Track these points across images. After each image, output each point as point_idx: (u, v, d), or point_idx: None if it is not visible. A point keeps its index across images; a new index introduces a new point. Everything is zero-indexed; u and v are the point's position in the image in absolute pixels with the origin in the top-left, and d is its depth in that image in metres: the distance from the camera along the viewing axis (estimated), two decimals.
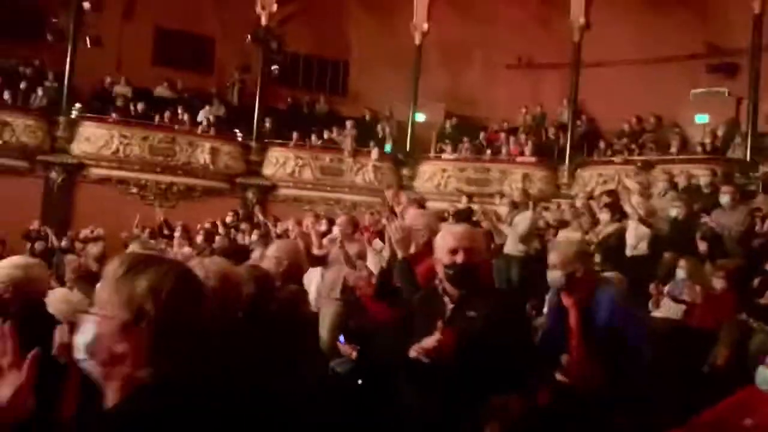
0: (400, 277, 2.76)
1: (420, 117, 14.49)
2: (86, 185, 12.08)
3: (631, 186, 7.94)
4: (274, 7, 13.32)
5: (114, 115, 12.44)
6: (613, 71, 13.46)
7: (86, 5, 12.04)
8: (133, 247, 4.65)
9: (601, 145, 13.14)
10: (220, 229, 9.13)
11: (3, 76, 12.12)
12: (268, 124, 13.54)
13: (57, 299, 2.87)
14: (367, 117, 14.72)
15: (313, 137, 13.77)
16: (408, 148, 14.02)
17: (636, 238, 6.05)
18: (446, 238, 2.25)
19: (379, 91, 14.84)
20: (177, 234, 9.31)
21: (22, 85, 12.02)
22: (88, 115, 12.23)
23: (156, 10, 14.43)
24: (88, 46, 12.21)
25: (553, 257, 2.70)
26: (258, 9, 13.15)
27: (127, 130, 12.27)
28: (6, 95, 11.76)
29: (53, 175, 11.79)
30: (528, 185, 12.06)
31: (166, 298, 1.10)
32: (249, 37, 13.27)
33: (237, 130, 13.35)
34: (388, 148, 13.93)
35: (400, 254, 2.82)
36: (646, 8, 13.32)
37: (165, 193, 12.35)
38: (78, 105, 12.47)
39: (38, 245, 10.22)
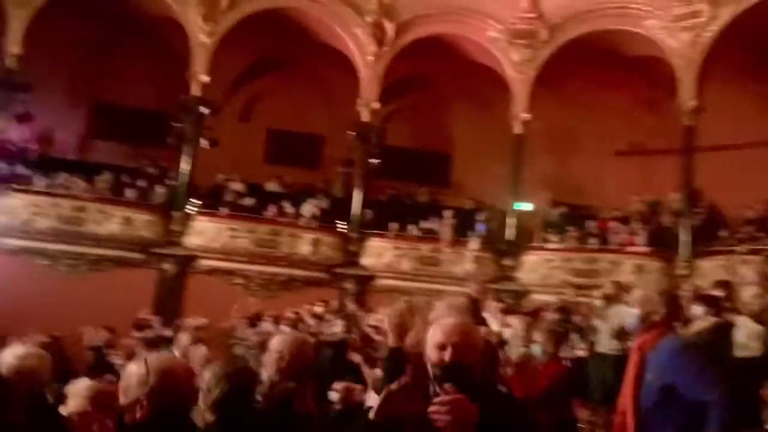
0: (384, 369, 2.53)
1: (524, 206, 14.16)
2: (196, 276, 12.72)
3: (749, 276, 7.10)
4: (376, 105, 13.87)
5: (224, 209, 13.17)
6: (733, 155, 12.52)
7: (205, 110, 13.19)
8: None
9: (723, 233, 12.06)
10: (308, 319, 9.15)
11: (130, 176, 13.32)
12: (369, 216, 13.77)
13: (76, 390, 2.87)
14: (469, 207, 14.60)
15: (412, 228, 13.80)
16: (511, 238, 13.63)
17: (747, 337, 5.29)
18: (435, 332, 2.01)
19: (482, 181, 14.77)
20: (266, 324, 9.45)
21: (144, 183, 13.09)
22: (200, 210, 13.01)
23: (268, 113, 15.57)
24: (207, 147, 13.19)
25: (635, 295, 2.35)
26: (360, 107, 13.76)
27: (235, 224, 12.92)
28: (129, 193, 12.85)
29: (166, 266, 12.54)
30: (639, 277, 11.24)
31: None
32: (352, 133, 13.90)
33: (339, 222, 13.65)
34: (483, 231, 13.63)
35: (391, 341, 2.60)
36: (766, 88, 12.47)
37: (268, 284, 12.73)
38: (195, 201, 13.37)
39: (147, 333, 10.76)
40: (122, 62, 14.65)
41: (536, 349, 5.17)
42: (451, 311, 3.01)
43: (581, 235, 13.37)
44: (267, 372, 2.65)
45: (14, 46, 12.49)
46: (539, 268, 13.23)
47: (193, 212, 13.02)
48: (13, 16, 12.52)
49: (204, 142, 13.09)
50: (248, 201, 13.68)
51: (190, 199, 13.20)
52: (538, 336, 5.16)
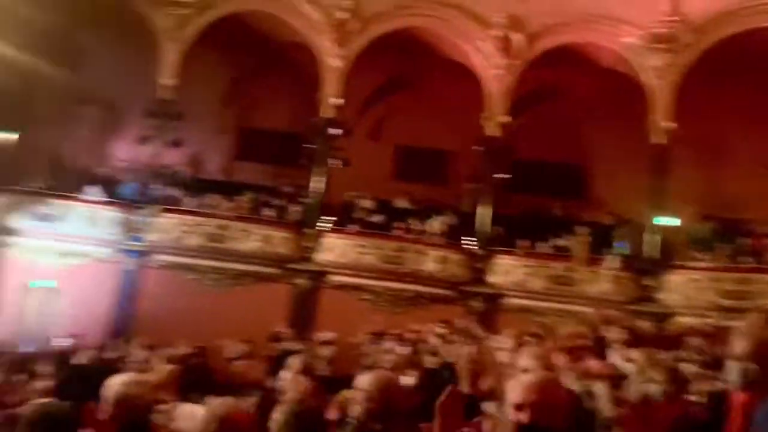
0: None
1: (667, 220, 13.18)
2: (327, 291, 13.16)
3: None
4: (505, 119, 13.62)
5: (354, 226, 13.54)
6: None
7: (336, 131, 13.70)
8: None
9: None
10: (430, 339, 9.08)
11: (268, 195, 14.13)
12: (498, 232, 13.50)
13: (183, 415, 3.05)
14: (606, 222, 13.86)
15: (543, 244, 13.34)
16: (652, 255, 12.74)
17: None
18: (513, 389, 1.90)
19: (621, 194, 13.99)
20: (388, 341, 9.51)
21: (280, 202, 13.82)
22: (330, 227, 13.46)
23: (397, 131, 15.83)
24: (339, 166, 13.67)
25: (739, 344, 1.97)
26: (486, 121, 13.60)
27: (363, 240, 13.23)
28: (268, 211, 13.61)
29: (300, 281, 13.10)
30: None
31: None
32: (479, 148, 13.76)
33: (466, 239, 13.52)
34: (622, 250, 12.83)
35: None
36: None
37: (395, 300, 12.88)
38: (327, 218, 13.88)
39: (280, 346, 11.29)
40: (263, 88, 15.65)
41: (654, 388, 4.73)
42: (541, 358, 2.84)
43: (733, 253, 12.21)
44: (353, 412, 2.65)
45: (168, 78, 13.70)
46: (684, 288, 12.26)
47: (324, 229, 13.50)
48: (167, 50, 13.75)
49: (335, 162, 13.57)
50: (377, 218, 13.98)
51: (323, 217, 13.72)
52: (655, 374, 4.72)
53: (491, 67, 13.67)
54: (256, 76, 15.52)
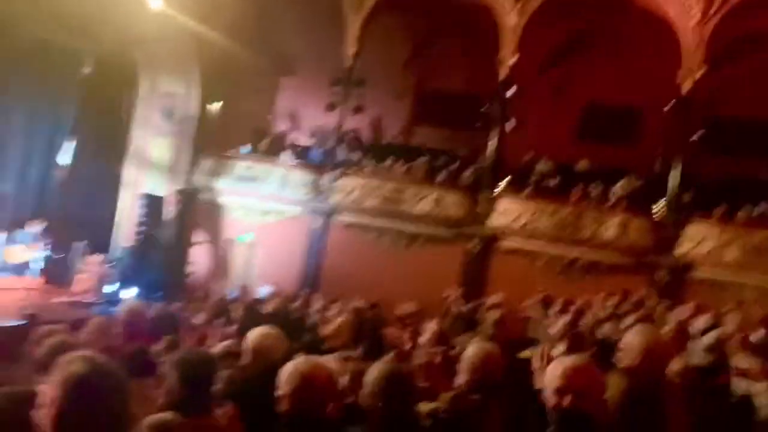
0: None
1: None
2: (499, 255, 13.11)
3: None
4: (701, 73, 12.28)
5: (529, 189, 13.23)
6: None
7: (511, 91, 13.38)
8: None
9: None
10: (598, 310, 8.70)
11: (444, 159, 14.31)
12: (691, 197, 12.34)
13: None
14: None
15: (745, 211, 11.91)
16: None
17: None
18: (554, 373, 1.86)
19: None
20: (555, 310, 9.27)
21: (456, 165, 13.92)
22: (504, 190, 13.30)
23: (581, 89, 14.99)
24: (513, 127, 13.40)
25: None
26: (682, 77, 12.36)
27: (538, 205, 12.89)
28: (442, 175, 13.81)
29: (472, 245, 13.19)
30: None
31: None
32: (672, 105, 12.58)
33: (652, 204, 12.55)
34: None
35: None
36: None
37: (569, 267, 12.44)
38: (504, 181, 13.72)
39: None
40: (441, 52, 15.74)
41: None
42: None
43: None
44: (457, 380, 2.70)
45: (351, 47, 14.36)
46: None
47: (498, 193, 13.38)
48: (350, 21, 14.38)
49: (510, 123, 13.30)
50: (555, 181, 13.49)
51: (498, 180, 13.59)
52: None
53: (689, 15, 12.32)
54: (434, 39, 15.63)
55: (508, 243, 13.07)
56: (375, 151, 15.00)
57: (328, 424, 2.20)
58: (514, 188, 13.51)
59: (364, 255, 13.45)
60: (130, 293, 12.54)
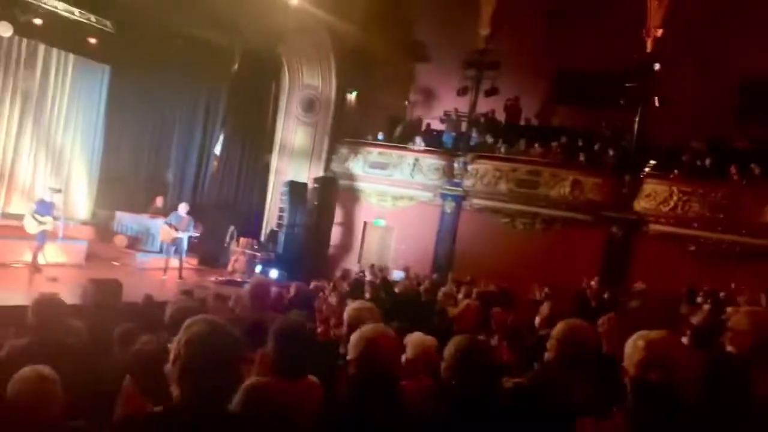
0: None
1: None
2: (645, 241, 12.33)
3: None
4: None
5: (678, 171, 12.29)
6: None
7: (657, 66, 12.46)
8: None
9: None
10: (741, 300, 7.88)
11: (585, 139, 13.67)
12: None
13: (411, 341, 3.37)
14: None
15: None
16: None
17: None
18: (636, 345, 1.74)
19: None
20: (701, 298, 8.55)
21: (595, 146, 13.24)
22: (650, 171, 12.45)
23: (739, 61, 13.56)
24: (658, 105, 12.50)
25: None
26: None
27: (687, 187, 11.94)
28: (582, 156, 13.20)
29: (614, 229, 12.52)
30: None
31: None
32: None
33: None
34: None
35: None
36: None
37: (724, 253, 11.38)
38: (652, 162, 12.85)
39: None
40: (579, 28, 14.96)
41: None
42: None
43: None
44: (545, 357, 2.63)
45: (484, 29, 14.14)
46: None
47: (645, 174, 12.55)
48: (483, 3, 14.14)
49: (656, 101, 12.41)
50: (708, 161, 12.38)
51: (643, 161, 12.75)
52: None
53: None
54: (571, 17, 14.90)
55: (655, 227, 12.24)
56: (511, 134, 14.68)
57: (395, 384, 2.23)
58: (662, 169, 12.61)
59: (497, 239, 13.26)
60: (275, 273, 13.36)
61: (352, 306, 3.22)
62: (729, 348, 2.38)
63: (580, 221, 12.85)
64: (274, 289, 4.97)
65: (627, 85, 12.84)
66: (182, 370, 1.81)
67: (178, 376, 1.82)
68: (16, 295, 8.29)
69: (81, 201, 14.82)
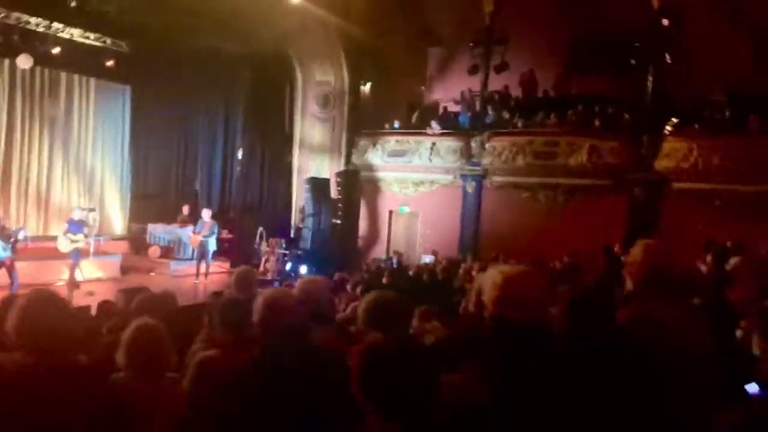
0: None
1: None
2: (669, 200, 12.11)
3: None
4: None
5: (697, 126, 12.02)
6: None
7: (665, 22, 12.18)
8: None
9: None
10: None
11: (601, 105, 13.46)
12: None
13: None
14: None
15: None
16: None
17: None
18: (494, 282, 1.87)
19: None
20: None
21: (611, 111, 13.04)
22: (671, 129, 12.20)
23: (753, 10, 13.10)
24: (668, 62, 12.23)
25: None
26: None
27: (711, 141, 11.66)
28: (598, 122, 13.02)
29: (636, 191, 12.33)
30: None
31: None
32: None
33: None
34: None
35: None
36: None
37: (750, 208, 11.05)
38: (674, 120, 12.58)
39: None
40: None
41: None
42: None
43: None
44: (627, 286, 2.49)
45: (487, 6, 14.05)
46: None
47: (663, 133, 12.31)
48: None
49: (667, 57, 12.14)
50: (730, 114, 12.04)
51: (662, 120, 12.49)
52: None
53: None
54: None
55: (677, 185, 12.00)
56: (527, 108, 14.57)
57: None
58: (681, 126, 12.33)
59: (520, 214, 13.23)
60: (305, 269, 13.65)
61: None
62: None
63: (602, 187, 12.69)
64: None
65: (635, 45, 12.60)
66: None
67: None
68: None
69: (115, 217, 15.44)
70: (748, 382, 3.04)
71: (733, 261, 5.40)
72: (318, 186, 15.08)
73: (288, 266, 14.16)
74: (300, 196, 15.68)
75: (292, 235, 15.44)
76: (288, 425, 2.22)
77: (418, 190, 14.89)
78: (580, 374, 1.97)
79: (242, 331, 2.83)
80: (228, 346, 2.80)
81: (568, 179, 13.02)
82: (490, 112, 14.49)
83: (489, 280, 2.02)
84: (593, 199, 12.73)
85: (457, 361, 2.13)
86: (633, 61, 12.65)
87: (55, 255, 11.42)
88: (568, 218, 12.65)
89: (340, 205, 15.25)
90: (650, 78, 12.49)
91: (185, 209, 14.15)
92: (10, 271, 9.67)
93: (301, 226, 15.23)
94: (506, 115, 14.53)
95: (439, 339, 3.26)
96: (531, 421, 1.86)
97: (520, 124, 14.07)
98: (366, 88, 16.12)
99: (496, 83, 14.70)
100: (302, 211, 15.11)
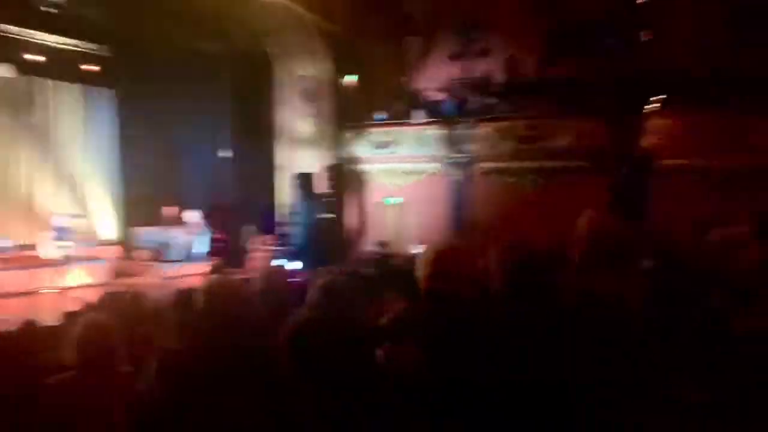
0: None
1: None
2: (656, 178, 12.07)
3: None
4: None
5: (679, 102, 11.99)
6: None
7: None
8: None
9: None
10: None
11: (581, 88, 13.41)
12: None
13: None
14: None
15: None
16: None
17: None
18: (427, 258, 1.89)
19: None
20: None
21: (594, 92, 13.01)
22: (652, 108, 12.19)
23: None
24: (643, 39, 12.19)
25: None
26: None
27: (690, 118, 11.65)
28: (579, 103, 12.99)
29: (621, 171, 12.28)
30: None
31: None
32: None
33: None
34: None
35: None
36: None
37: (730, 181, 11.08)
38: (659, 97, 12.48)
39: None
40: None
41: None
42: None
43: None
44: None
45: None
46: None
47: (647, 112, 12.29)
48: None
49: (642, 35, 12.12)
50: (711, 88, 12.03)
51: (644, 98, 12.47)
52: None
53: None
54: None
55: (665, 163, 11.98)
56: (510, 93, 14.54)
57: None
58: (665, 104, 12.30)
59: (507, 200, 13.25)
60: (295, 266, 13.65)
61: None
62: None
63: (587, 169, 12.67)
64: None
65: (613, 24, 12.57)
66: None
67: None
68: (48, 317, 8.80)
69: (105, 223, 15.44)
70: None
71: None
72: (305, 181, 15.07)
73: (277, 263, 14.16)
74: (287, 193, 15.67)
75: (280, 231, 15.43)
76: None
77: (406, 180, 14.90)
78: (507, 336, 2.04)
79: None
80: None
81: (552, 162, 13.01)
82: (473, 98, 14.46)
83: (423, 257, 2.12)
84: (579, 182, 12.69)
85: (401, 336, 2.25)
86: (610, 40, 12.56)
87: (43, 263, 11.45)
88: (555, 202, 12.62)
89: (327, 199, 15.25)
90: (628, 56, 12.44)
91: (170, 211, 14.14)
92: None
93: (289, 222, 15.23)
94: (492, 101, 14.50)
95: (390, 318, 3.32)
96: (461, 389, 1.95)
97: (503, 110, 14.05)
98: (348, 80, 16.08)
99: (477, 70, 14.65)
100: (290, 207, 15.13)
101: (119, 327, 3.25)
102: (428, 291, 2.03)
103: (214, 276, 3.00)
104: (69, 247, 11.02)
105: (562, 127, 12.86)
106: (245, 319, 2.82)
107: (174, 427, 2.38)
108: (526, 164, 13.27)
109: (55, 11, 12.70)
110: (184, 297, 3.67)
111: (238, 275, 13.25)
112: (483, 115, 14.03)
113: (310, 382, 1.91)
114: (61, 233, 10.97)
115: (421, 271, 2.11)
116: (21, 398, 2.70)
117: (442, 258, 2.04)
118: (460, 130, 14.05)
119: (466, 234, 13.50)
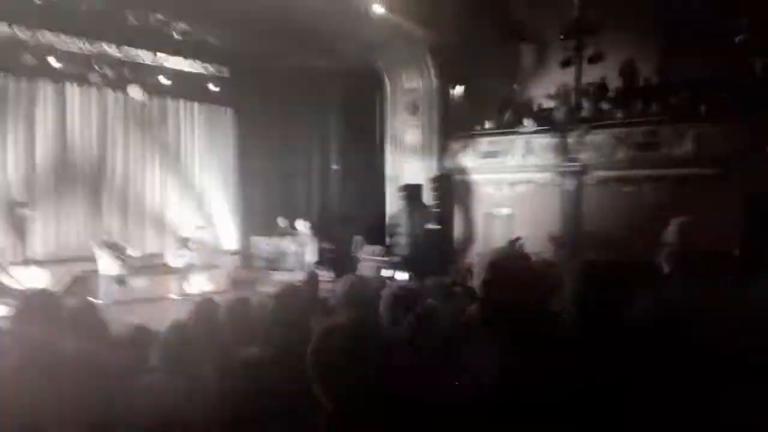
0: None
1: None
2: None
3: None
4: None
5: None
6: None
7: None
8: None
9: None
10: None
11: (705, 89, 12.56)
12: None
13: None
14: None
15: None
16: None
17: None
18: (481, 265, 1.85)
19: None
20: None
21: (720, 94, 12.13)
22: None
23: None
24: None
25: None
26: None
27: None
28: (704, 107, 12.15)
29: (751, 179, 11.35)
30: None
31: None
32: None
33: None
34: None
35: None
36: None
37: None
38: None
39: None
40: None
41: None
42: None
43: None
44: None
45: None
46: None
47: None
48: None
49: None
50: None
51: None
52: None
53: None
54: None
55: None
56: (626, 98, 13.87)
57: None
58: None
59: (624, 210, 12.57)
60: (404, 277, 13.73)
61: None
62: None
63: (712, 177, 11.79)
64: None
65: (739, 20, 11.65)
66: None
67: None
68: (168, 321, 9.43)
69: (226, 233, 16.33)
70: None
71: None
72: (412, 192, 15.15)
73: (385, 273, 14.30)
74: (394, 204, 15.82)
75: (387, 242, 15.59)
76: None
77: (514, 190, 14.57)
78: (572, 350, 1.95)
79: None
80: None
81: (673, 170, 12.22)
82: (586, 105, 13.93)
83: (479, 265, 2.07)
84: (703, 191, 11.85)
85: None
86: (739, 37, 11.64)
87: (168, 270, 12.27)
88: (678, 212, 11.83)
89: (434, 210, 15.22)
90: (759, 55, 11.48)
91: (281, 221, 14.67)
92: None
93: (396, 232, 15.35)
94: (606, 107, 13.91)
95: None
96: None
97: (619, 116, 13.41)
98: (456, 90, 16.03)
99: (592, 75, 14.09)
100: (397, 217, 15.25)
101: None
102: (483, 299, 2.01)
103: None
104: (189, 256, 11.73)
105: (684, 132, 12.04)
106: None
107: None
108: (646, 172, 12.54)
109: (180, 38, 13.69)
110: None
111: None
112: (597, 121, 13.44)
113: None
114: (185, 243, 11.69)
115: (476, 280, 2.09)
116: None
117: (496, 266, 2.00)
118: (573, 138, 13.54)
119: (579, 246, 12.98)
